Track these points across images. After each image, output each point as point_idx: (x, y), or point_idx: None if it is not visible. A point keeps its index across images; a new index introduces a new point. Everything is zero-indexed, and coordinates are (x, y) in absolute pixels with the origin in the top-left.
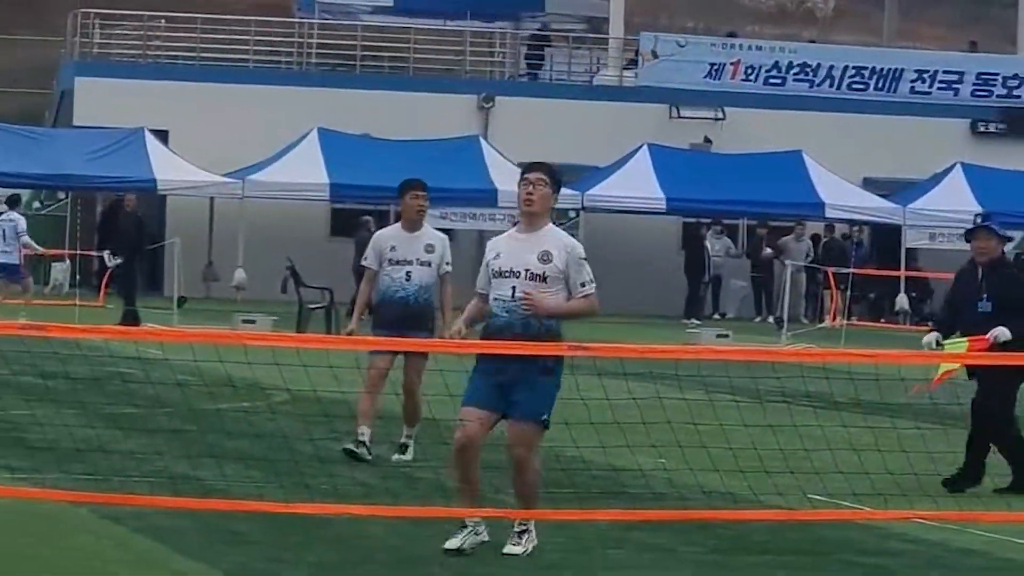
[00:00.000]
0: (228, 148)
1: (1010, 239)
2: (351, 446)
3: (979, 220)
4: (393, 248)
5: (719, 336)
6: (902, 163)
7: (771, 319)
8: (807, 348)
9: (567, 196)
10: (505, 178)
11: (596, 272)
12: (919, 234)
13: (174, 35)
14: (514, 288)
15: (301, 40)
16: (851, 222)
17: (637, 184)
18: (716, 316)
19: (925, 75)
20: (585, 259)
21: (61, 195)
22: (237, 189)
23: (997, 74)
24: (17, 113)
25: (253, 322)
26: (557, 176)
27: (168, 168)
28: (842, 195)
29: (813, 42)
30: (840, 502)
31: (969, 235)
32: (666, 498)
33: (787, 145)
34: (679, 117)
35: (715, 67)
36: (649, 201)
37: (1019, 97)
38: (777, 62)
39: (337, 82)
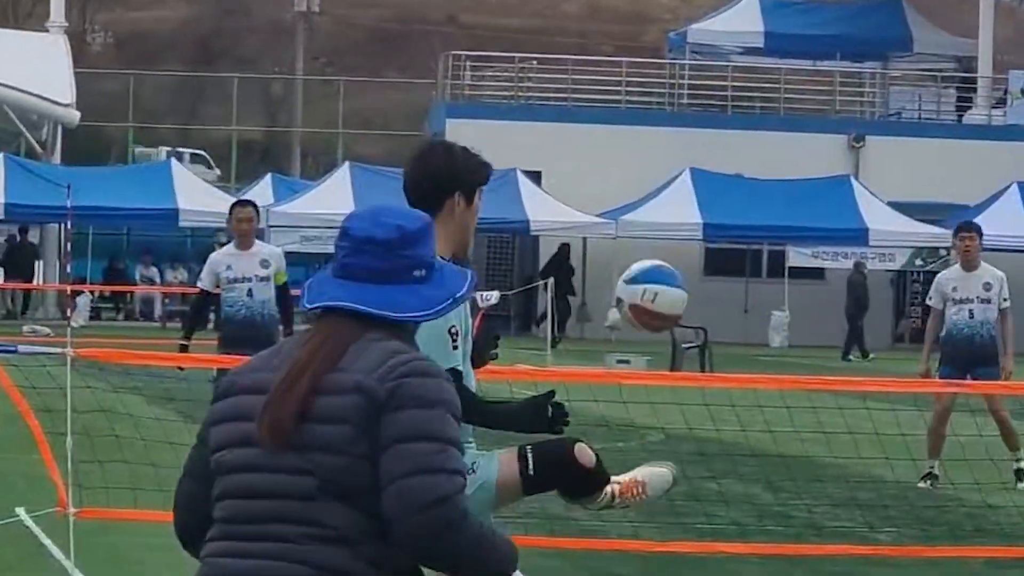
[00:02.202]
0: (600, 188)
1: None
2: (925, 483)
3: None
4: (955, 288)
5: None
6: None
7: None
8: None
9: (938, 235)
10: (876, 217)
11: None
12: None
13: (545, 76)
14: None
15: (672, 81)
16: None
17: (1007, 222)
18: None
19: None
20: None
21: None
22: (610, 229)
23: None
24: (386, 155)
25: (627, 362)
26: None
27: (541, 208)
28: None
29: None
30: None
31: None
32: None
33: None
34: None
35: None
36: (1019, 239)
37: None
38: None
39: (708, 122)
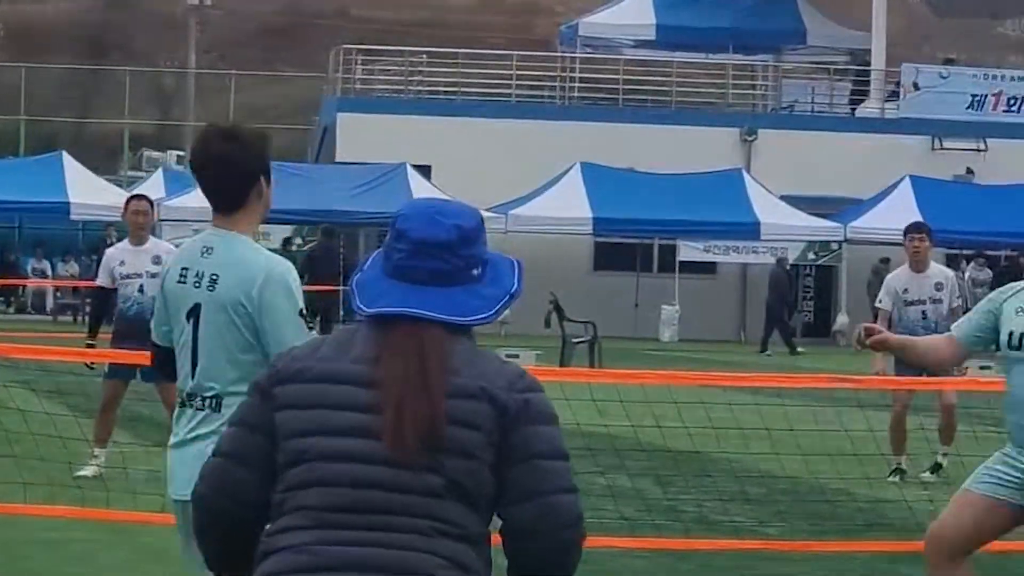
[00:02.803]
0: (490, 182)
1: None
2: (894, 478)
3: None
4: (906, 290)
5: (982, 368)
6: None
7: None
8: None
9: (829, 228)
10: (768, 211)
11: (859, 306)
12: None
13: (436, 70)
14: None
15: (563, 74)
16: None
17: (900, 216)
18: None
19: None
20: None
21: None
22: (500, 223)
23: None
24: (280, 149)
25: (517, 356)
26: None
27: None
28: None
29: None
30: None
31: None
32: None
33: None
34: (941, 148)
35: (977, 98)
36: None
37: None
38: None
39: (599, 116)
